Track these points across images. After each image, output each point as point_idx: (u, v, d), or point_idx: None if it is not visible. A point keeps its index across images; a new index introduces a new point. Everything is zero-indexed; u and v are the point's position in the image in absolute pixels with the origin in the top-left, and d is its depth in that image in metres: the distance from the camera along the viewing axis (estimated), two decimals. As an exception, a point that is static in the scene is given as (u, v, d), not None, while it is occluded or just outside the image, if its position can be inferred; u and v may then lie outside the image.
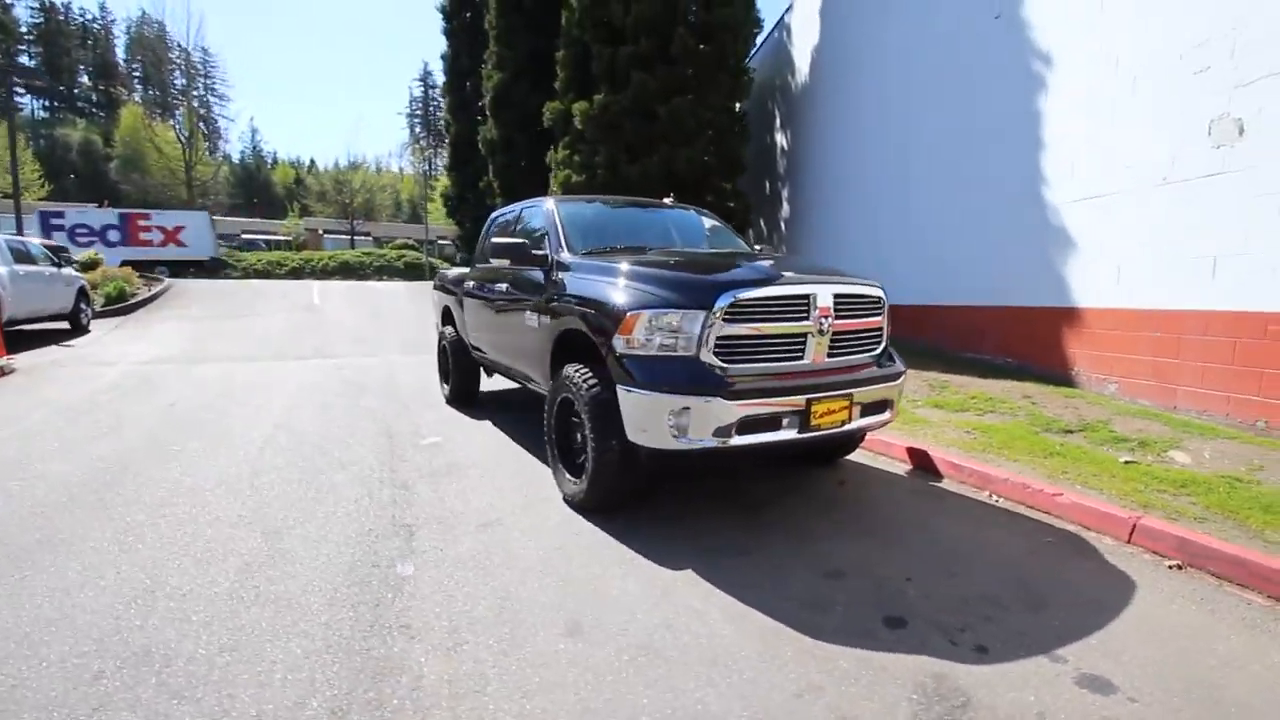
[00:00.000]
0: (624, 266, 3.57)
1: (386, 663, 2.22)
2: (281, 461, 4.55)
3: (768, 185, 14.07)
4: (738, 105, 12.34)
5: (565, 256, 4.11)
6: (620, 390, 3.24)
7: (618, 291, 3.37)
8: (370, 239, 47.21)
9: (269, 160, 73.42)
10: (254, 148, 71.51)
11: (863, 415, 3.49)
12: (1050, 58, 6.31)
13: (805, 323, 3.29)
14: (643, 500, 3.69)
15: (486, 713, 1.97)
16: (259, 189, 64.20)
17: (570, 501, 3.70)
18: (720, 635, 2.40)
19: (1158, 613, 2.60)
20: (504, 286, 4.88)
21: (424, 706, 2.00)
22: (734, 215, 12.18)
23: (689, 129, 11.29)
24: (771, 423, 3.17)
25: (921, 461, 4.46)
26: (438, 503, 3.79)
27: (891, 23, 9.04)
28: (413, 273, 31.95)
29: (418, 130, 73.49)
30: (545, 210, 4.65)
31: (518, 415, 6.20)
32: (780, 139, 13.52)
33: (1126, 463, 4.20)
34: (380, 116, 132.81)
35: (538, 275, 4.32)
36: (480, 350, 5.80)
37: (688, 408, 3.03)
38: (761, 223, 14.19)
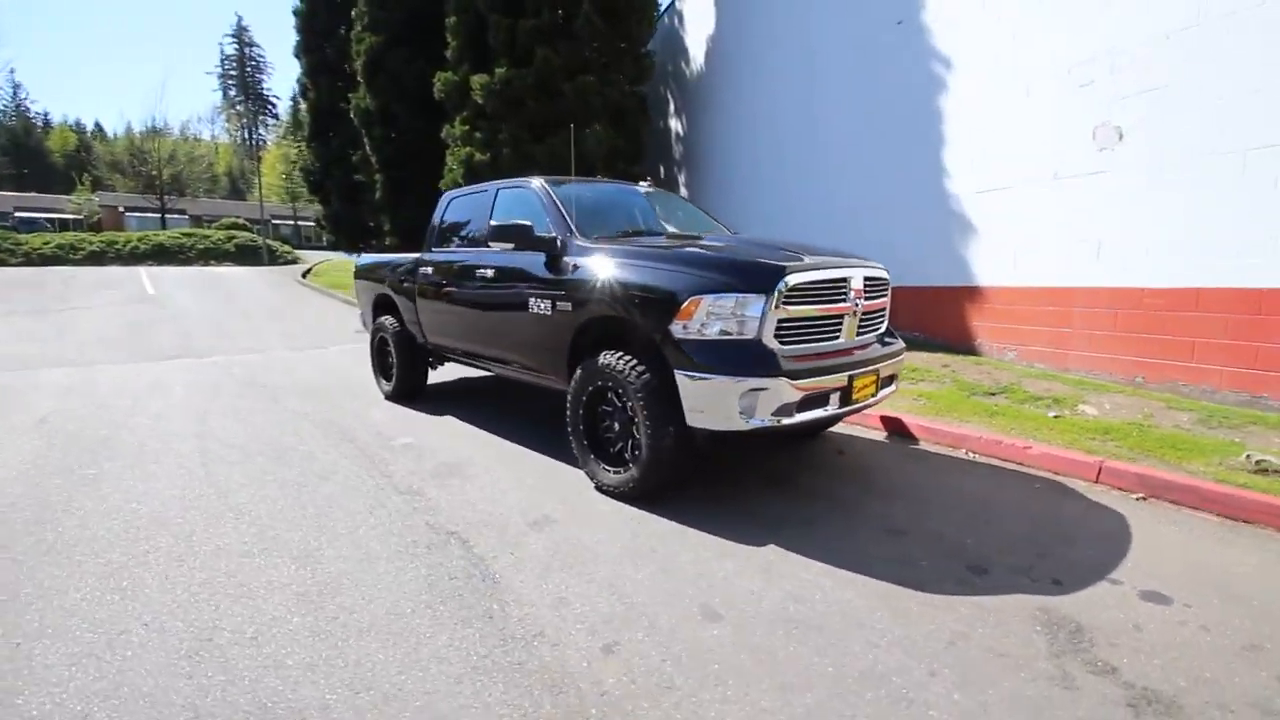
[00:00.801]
0: (668, 251, 3.55)
1: (549, 674, 2.09)
2: (242, 477, 3.97)
3: (662, 170, 14.32)
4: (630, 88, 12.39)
5: (580, 241, 3.97)
6: (681, 375, 3.24)
7: (670, 277, 3.34)
8: (187, 218, 41.17)
9: (38, 122, 60.83)
10: (16, 107, 58.80)
11: (881, 388, 3.81)
12: (951, 63, 7.11)
13: (844, 304, 3.50)
14: (679, 485, 3.72)
15: (697, 704, 1.95)
16: (29, 157, 53.13)
17: (611, 491, 3.64)
18: (845, 600, 2.55)
19: (1154, 535, 3.16)
20: (489, 273, 4.59)
21: (626, 710, 1.93)
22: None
23: (595, 109, 11.18)
24: (821, 399, 3.35)
25: (896, 427, 4.93)
26: (466, 506, 3.54)
27: (794, 20, 9.58)
28: (248, 257, 28.48)
29: (233, 94, 64.77)
30: (537, 192, 4.43)
31: (475, 406, 5.90)
32: (675, 124, 13.80)
33: (1055, 417, 4.97)
34: (184, 76, 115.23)
35: (538, 260, 4.13)
36: (443, 342, 5.42)
37: (758, 389, 3.12)
38: (659, 206, 14.40)
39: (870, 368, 3.61)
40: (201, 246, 27.25)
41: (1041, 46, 6.11)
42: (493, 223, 4.13)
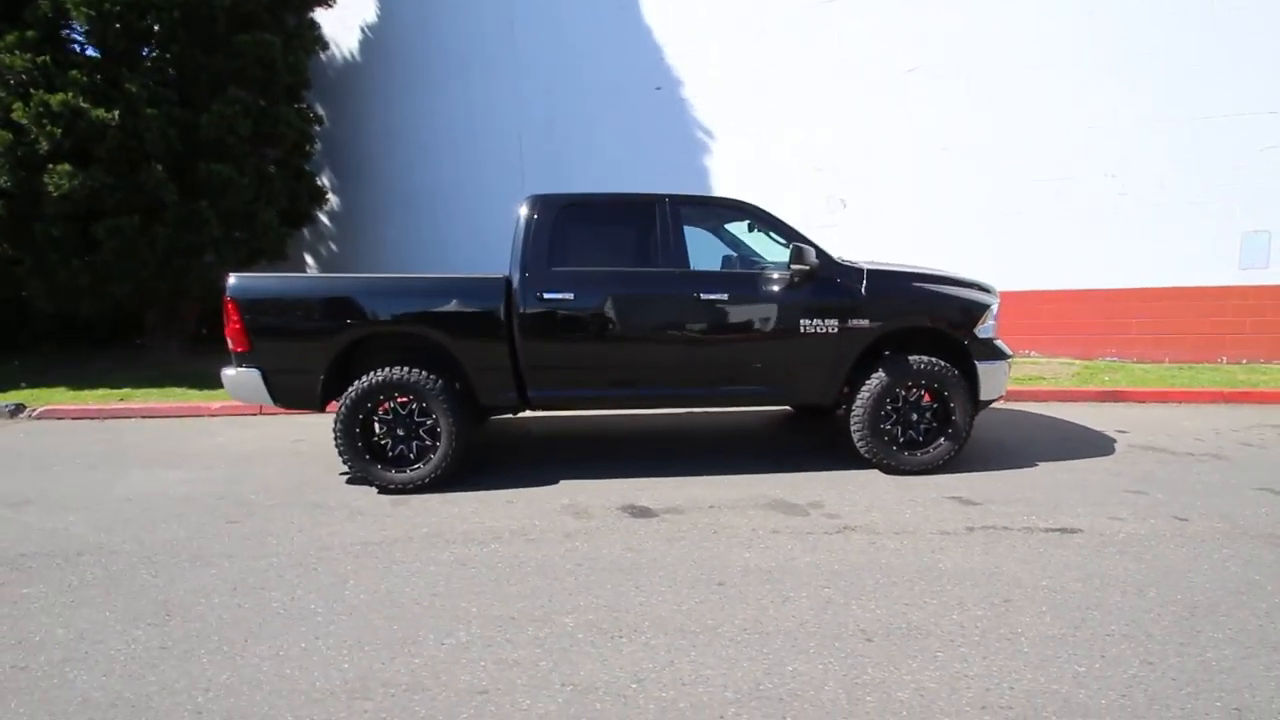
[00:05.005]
0: (943, 275, 4.60)
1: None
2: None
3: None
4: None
5: (857, 264, 4.47)
6: (981, 364, 4.41)
7: (975, 295, 4.47)
8: None
9: None
10: None
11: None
12: (713, 132, 9.37)
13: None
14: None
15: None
16: None
17: (919, 472, 4.38)
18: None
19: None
20: (721, 295, 4.29)
21: None
22: (315, 198, 9.95)
23: (278, 82, 8.44)
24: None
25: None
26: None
27: (525, 53, 9.88)
28: None
29: None
30: (764, 213, 4.71)
31: (551, 462, 4.77)
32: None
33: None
34: None
35: (782, 279, 4.34)
36: (577, 385, 4.36)
37: (1011, 367, 4.70)
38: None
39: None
40: None
41: (786, 136, 9.04)
42: (800, 245, 4.07)
